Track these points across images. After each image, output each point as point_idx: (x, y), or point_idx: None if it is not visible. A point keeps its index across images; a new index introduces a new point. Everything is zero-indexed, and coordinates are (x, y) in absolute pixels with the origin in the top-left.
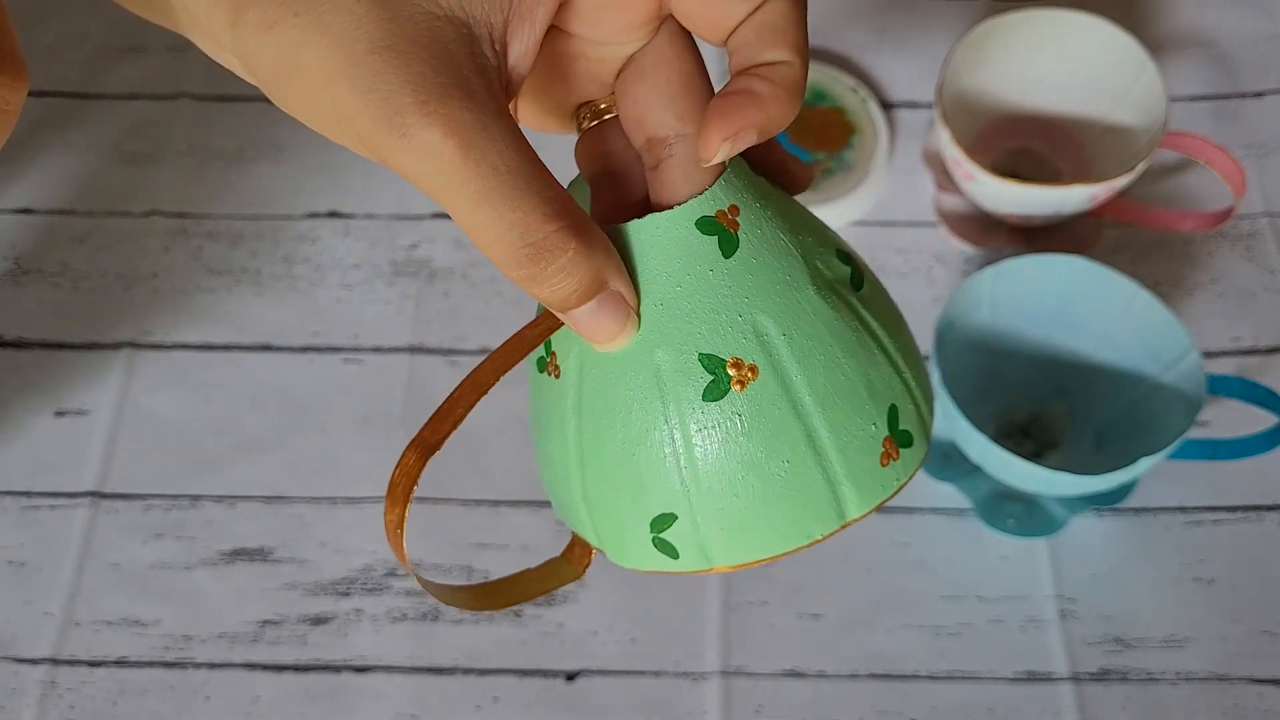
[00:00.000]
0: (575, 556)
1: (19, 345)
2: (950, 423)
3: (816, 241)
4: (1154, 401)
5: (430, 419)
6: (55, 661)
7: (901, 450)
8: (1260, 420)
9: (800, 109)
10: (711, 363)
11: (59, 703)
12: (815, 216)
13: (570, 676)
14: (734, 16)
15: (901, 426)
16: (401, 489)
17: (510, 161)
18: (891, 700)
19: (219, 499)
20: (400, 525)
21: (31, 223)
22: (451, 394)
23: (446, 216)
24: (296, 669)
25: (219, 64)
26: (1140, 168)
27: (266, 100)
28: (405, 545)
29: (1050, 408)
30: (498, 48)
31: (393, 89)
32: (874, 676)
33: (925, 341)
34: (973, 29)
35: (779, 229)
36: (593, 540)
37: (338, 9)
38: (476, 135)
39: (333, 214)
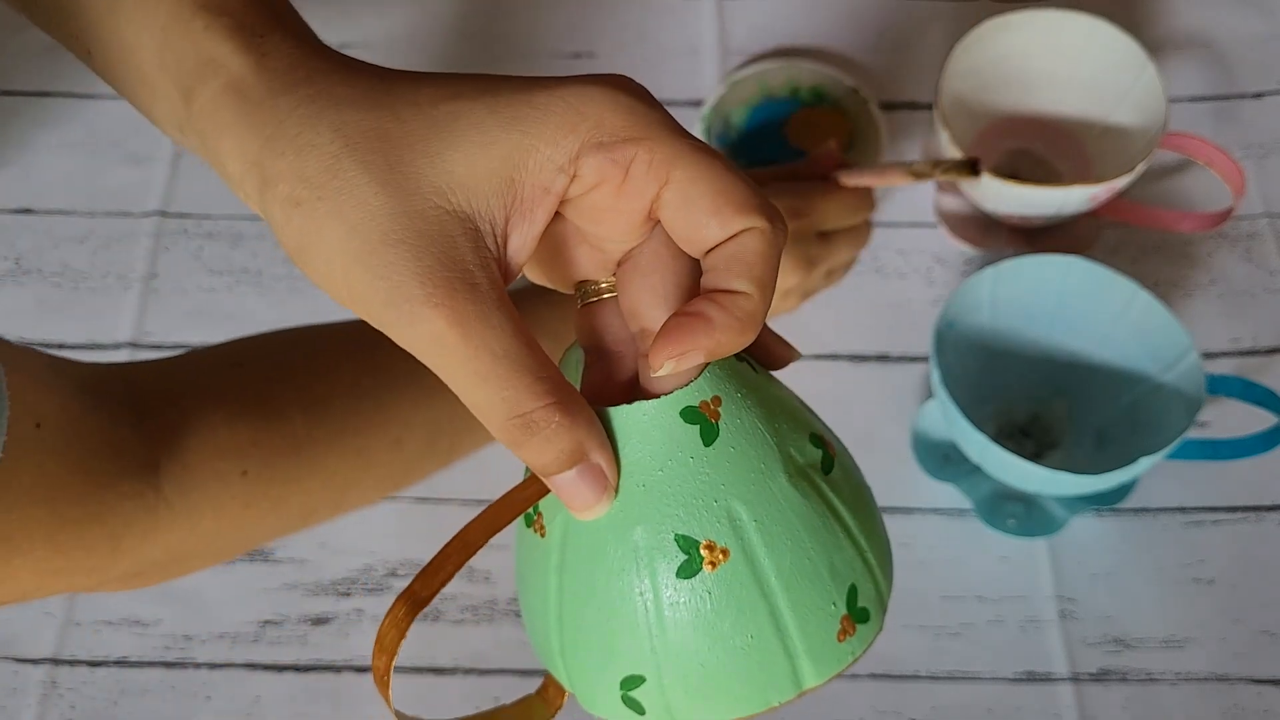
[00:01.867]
0: (549, 696)
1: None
2: (950, 423)
3: (791, 427)
4: (1154, 402)
5: (420, 574)
6: (56, 661)
7: (858, 626)
8: (1260, 420)
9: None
10: (686, 543)
11: (59, 702)
12: (794, 397)
13: None
14: (709, 240)
15: (860, 604)
16: (389, 640)
17: (506, 346)
18: (891, 700)
19: None
20: (387, 673)
21: (32, 223)
22: (441, 550)
23: None
24: (297, 669)
25: None
26: (1140, 168)
27: None
28: (391, 693)
29: (1050, 408)
30: (499, 240)
31: (403, 279)
32: (874, 676)
33: (925, 342)
34: (973, 29)
35: (757, 418)
36: (566, 686)
37: (356, 200)
38: (476, 324)
39: None
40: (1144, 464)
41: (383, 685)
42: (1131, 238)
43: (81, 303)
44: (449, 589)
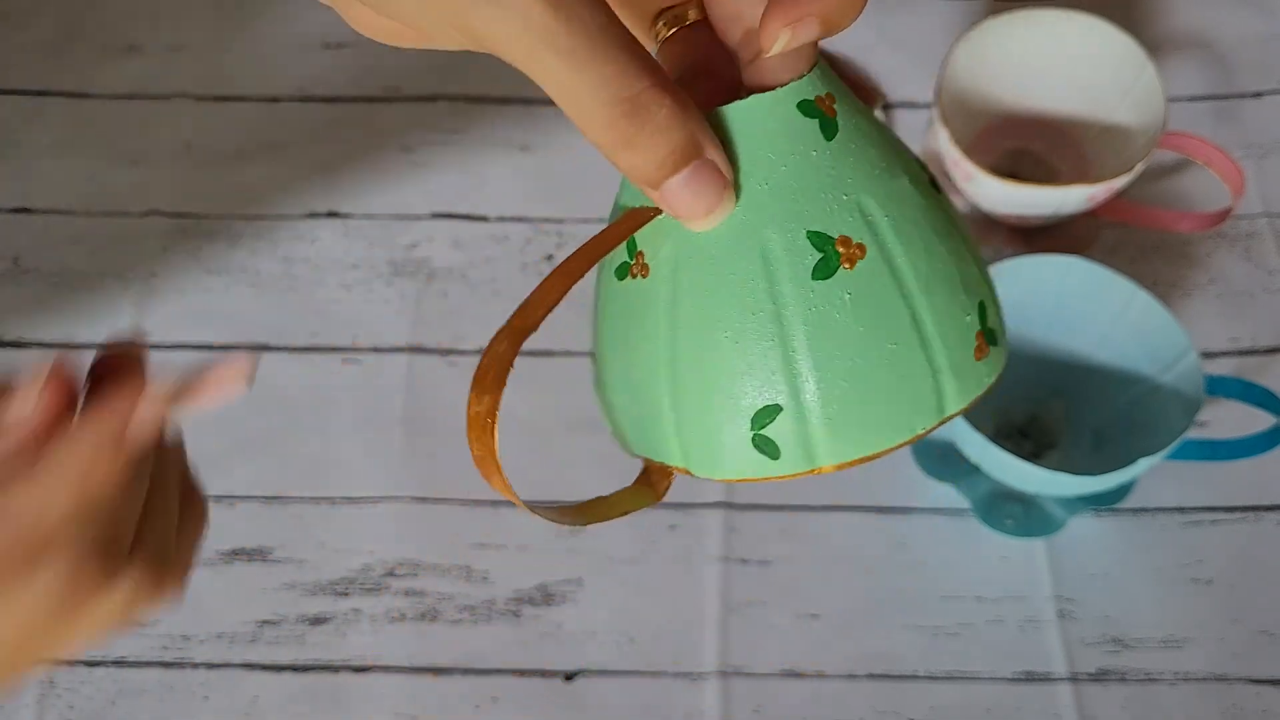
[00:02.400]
0: (654, 480)
1: (18, 345)
2: (949, 423)
3: (898, 145)
4: (1152, 402)
5: (518, 310)
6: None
7: (990, 348)
8: (1258, 421)
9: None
10: (820, 240)
11: (57, 702)
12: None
13: (569, 676)
14: None
15: (989, 324)
16: (493, 375)
17: (600, 19)
18: (890, 700)
19: (217, 499)
20: (491, 417)
21: (30, 222)
22: (541, 283)
23: (446, 216)
24: (295, 669)
25: (217, 64)
26: (1139, 168)
27: (265, 100)
28: (498, 443)
29: (1049, 408)
30: None
31: None
32: (872, 676)
33: None
34: (972, 29)
35: (870, 122)
36: (676, 457)
37: None
38: None
39: (331, 214)
40: (1143, 465)
41: (485, 433)
42: (1130, 238)
43: (80, 302)
44: (446, 588)
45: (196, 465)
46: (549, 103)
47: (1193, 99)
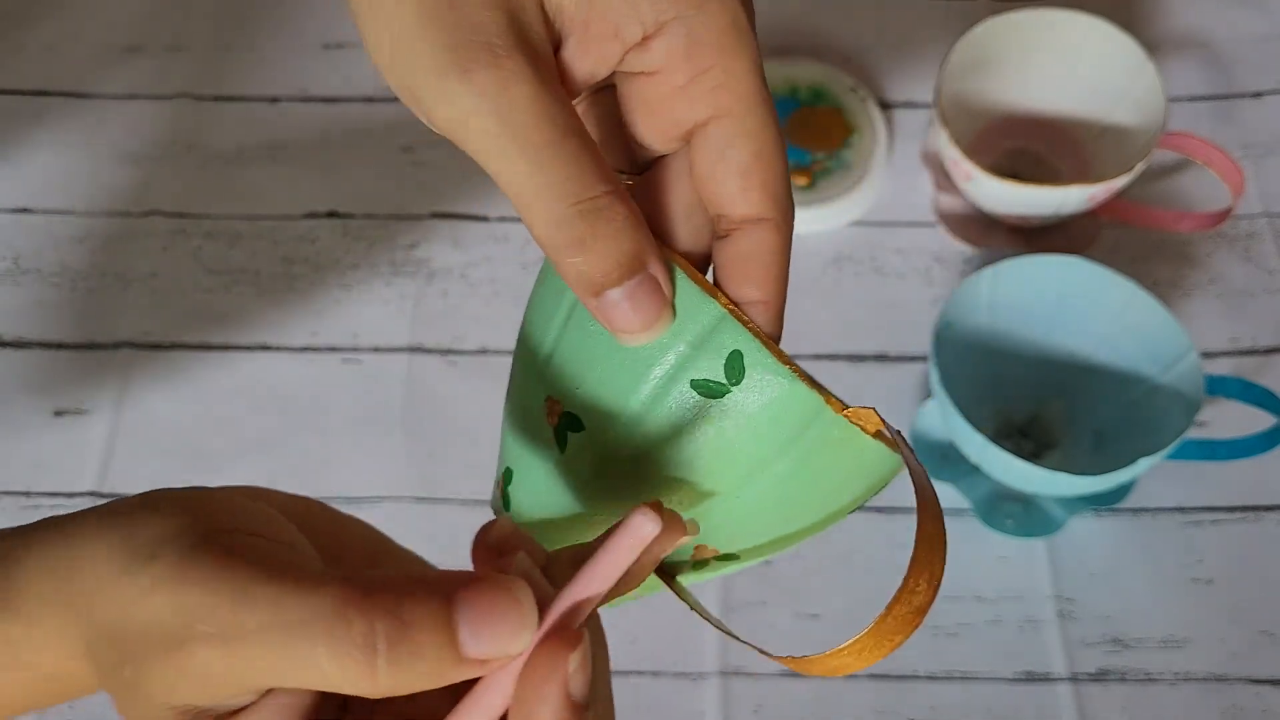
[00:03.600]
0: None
1: (18, 345)
2: (949, 423)
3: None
4: (1152, 402)
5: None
6: None
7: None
8: (1258, 420)
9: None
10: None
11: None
12: None
13: None
14: (721, 198)
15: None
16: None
17: (570, 122)
18: (890, 700)
19: None
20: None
21: (30, 222)
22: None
23: (445, 216)
24: None
25: (217, 64)
26: (1139, 168)
27: (265, 100)
28: None
29: (1049, 408)
30: (556, 37)
31: (469, 22)
32: (872, 677)
33: (924, 342)
34: (972, 29)
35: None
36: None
37: None
38: (543, 87)
39: (331, 214)
40: (1143, 464)
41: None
42: (1130, 237)
43: (80, 302)
44: None
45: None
46: None
47: (1193, 99)
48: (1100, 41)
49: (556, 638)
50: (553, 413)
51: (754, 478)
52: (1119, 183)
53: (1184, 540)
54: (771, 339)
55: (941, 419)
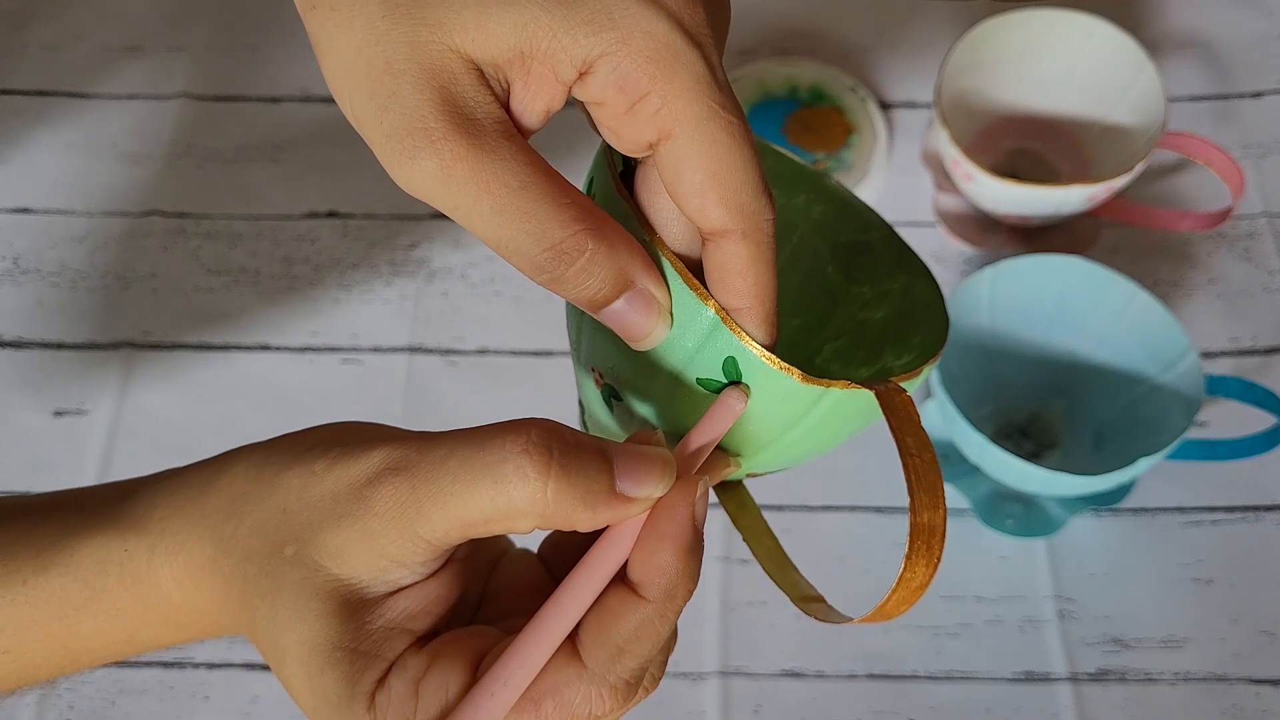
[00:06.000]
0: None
1: (18, 345)
2: (949, 423)
3: None
4: (1153, 402)
5: None
6: None
7: None
8: (1259, 420)
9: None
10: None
11: (58, 702)
12: None
13: None
14: (690, 215)
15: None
16: None
17: (521, 177)
18: (889, 700)
19: None
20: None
21: (30, 222)
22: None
23: (445, 217)
24: None
25: (217, 64)
26: (1139, 168)
27: (265, 100)
28: None
29: (1049, 408)
30: (504, 91)
31: (407, 110)
32: (872, 676)
33: None
34: (972, 29)
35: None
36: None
37: (364, 21)
38: (485, 157)
39: (331, 214)
40: (1143, 464)
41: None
42: (1131, 237)
43: (80, 302)
44: None
45: None
46: None
47: (1193, 99)
48: (1100, 41)
49: (683, 479)
50: (598, 381)
51: (780, 438)
52: (1119, 183)
53: (1184, 540)
54: (763, 344)
55: (941, 419)
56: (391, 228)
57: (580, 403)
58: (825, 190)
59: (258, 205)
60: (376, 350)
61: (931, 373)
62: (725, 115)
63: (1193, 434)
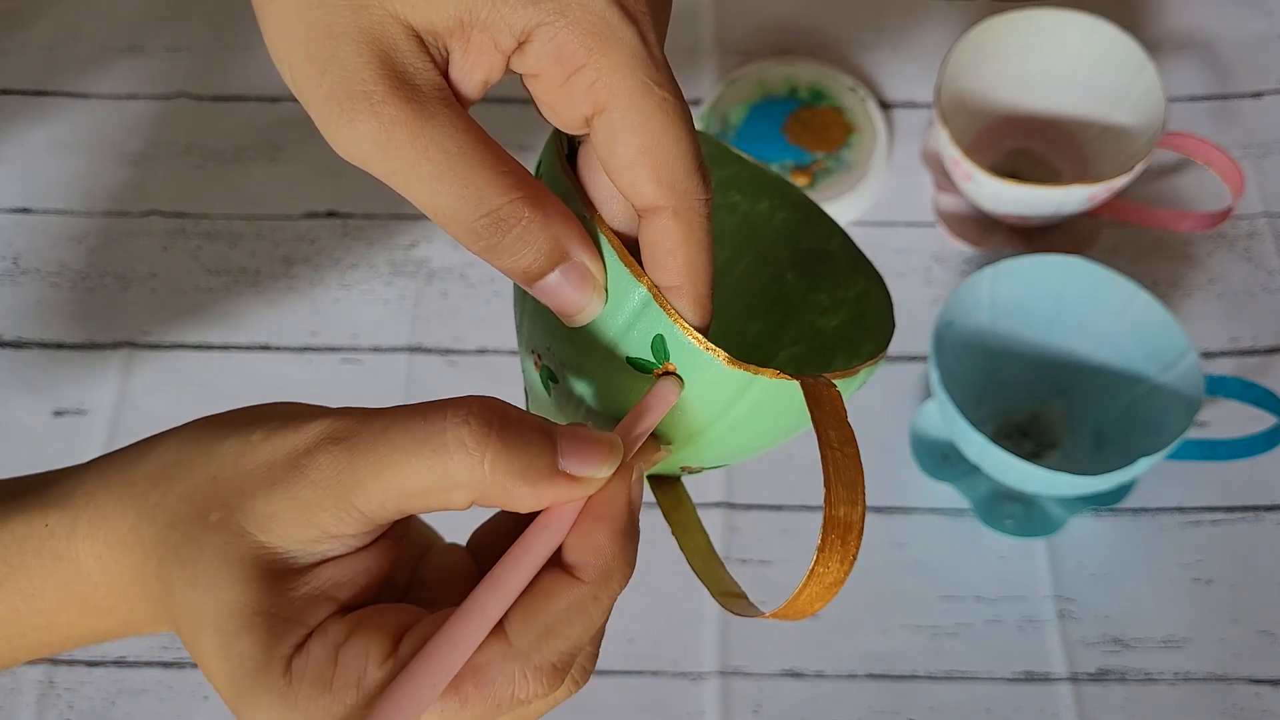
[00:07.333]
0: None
1: (17, 345)
2: (949, 423)
3: None
4: (1153, 402)
5: None
6: (53, 661)
7: None
8: (1259, 420)
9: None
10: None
11: (57, 702)
12: None
13: None
14: (624, 191)
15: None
16: None
17: (459, 143)
18: (889, 700)
19: None
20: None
21: (30, 222)
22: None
23: None
24: None
25: (217, 64)
26: (1139, 168)
27: (264, 100)
28: None
29: (1049, 408)
30: (444, 59)
31: (345, 74)
32: (872, 676)
33: (924, 342)
34: (972, 29)
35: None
36: None
37: None
38: (423, 122)
39: (331, 214)
40: (1143, 464)
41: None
42: (1131, 237)
43: (80, 302)
44: None
45: None
46: None
47: (1192, 99)
48: (1100, 41)
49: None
50: (537, 363)
51: (711, 426)
52: (1119, 183)
53: (1184, 540)
54: (694, 324)
55: (941, 419)
56: (391, 228)
57: (525, 390)
58: (789, 197)
59: (257, 205)
60: (376, 350)
61: (933, 372)
62: (660, 92)
63: (1193, 434)
